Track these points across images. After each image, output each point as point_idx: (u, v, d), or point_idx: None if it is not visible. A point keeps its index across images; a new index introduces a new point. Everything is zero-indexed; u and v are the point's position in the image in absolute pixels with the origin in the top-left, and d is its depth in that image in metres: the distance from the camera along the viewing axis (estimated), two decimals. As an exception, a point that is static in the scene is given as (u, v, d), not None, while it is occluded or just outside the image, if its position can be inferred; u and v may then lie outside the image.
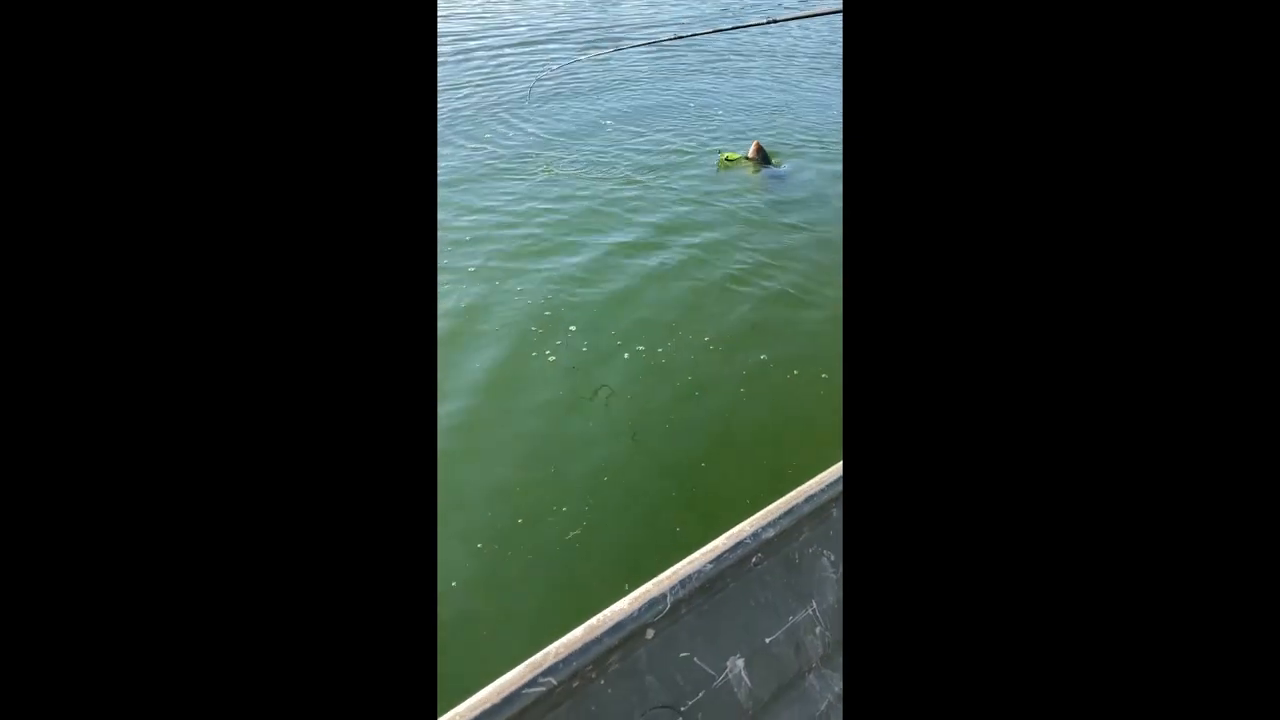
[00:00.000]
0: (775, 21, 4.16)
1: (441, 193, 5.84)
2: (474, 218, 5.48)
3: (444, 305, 4.43)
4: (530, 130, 7.29)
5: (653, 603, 1.41)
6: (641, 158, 6.63)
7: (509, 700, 1.22)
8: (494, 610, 2.73)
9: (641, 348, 4.10)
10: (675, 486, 3.22)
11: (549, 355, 4.03)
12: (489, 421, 3.60)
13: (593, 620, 1.36)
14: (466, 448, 3.43)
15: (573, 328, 4.28)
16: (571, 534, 3.01)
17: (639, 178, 6.22)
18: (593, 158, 6.62)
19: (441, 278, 4.74)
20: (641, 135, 7.22)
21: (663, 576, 1.46)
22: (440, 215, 5.45)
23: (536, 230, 5.31)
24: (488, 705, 1.20)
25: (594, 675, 1.33)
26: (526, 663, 1.27)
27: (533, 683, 1.24)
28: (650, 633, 1.41)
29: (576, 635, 1.33)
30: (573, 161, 6.50)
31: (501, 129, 7.30)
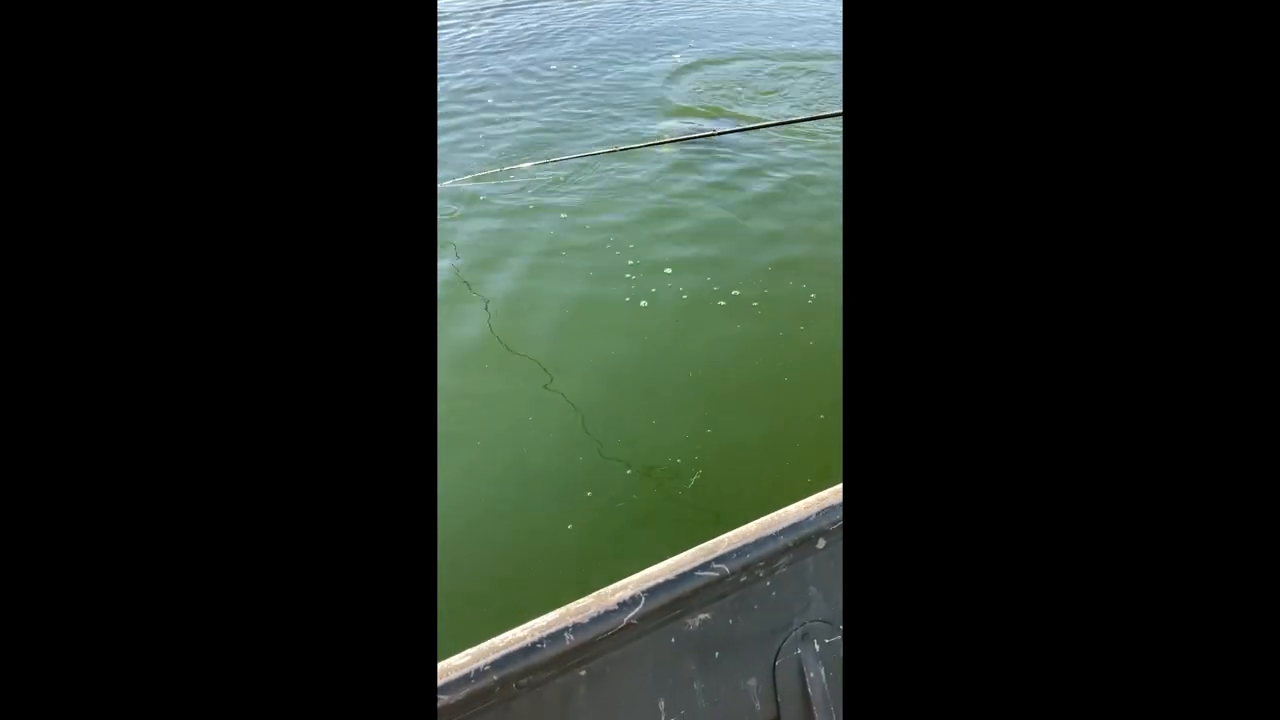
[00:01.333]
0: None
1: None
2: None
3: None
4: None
5: (830, 510, 1.37)
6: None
7: (682, 578, 1.24)
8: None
9: (737, 292, 3.88)
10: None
11: (642, 302, 3.83)
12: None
13: (765, 518, 1.35)
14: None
15: (668, 270, 4.07)
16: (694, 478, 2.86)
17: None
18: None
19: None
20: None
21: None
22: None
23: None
24: (661, 580, 1.23)
25: (761, 574, 1.33)
26: (700, 546, 1.28)
27: (706, 566, 1.25)
28: (822, 543, 1.38)
29: (750, 529, 1.32)
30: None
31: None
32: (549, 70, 7.00)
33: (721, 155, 5.33)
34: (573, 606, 1.20)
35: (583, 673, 1.20)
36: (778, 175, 5.09)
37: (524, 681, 1.15)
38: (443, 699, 1.09)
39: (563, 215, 4.63)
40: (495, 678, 1.13)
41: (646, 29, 7.99)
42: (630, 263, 4.11)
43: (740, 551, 1.29)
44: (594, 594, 1.21)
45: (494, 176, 4.96)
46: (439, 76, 6.66)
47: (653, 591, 1.21)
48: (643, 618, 1.20)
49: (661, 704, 1.28)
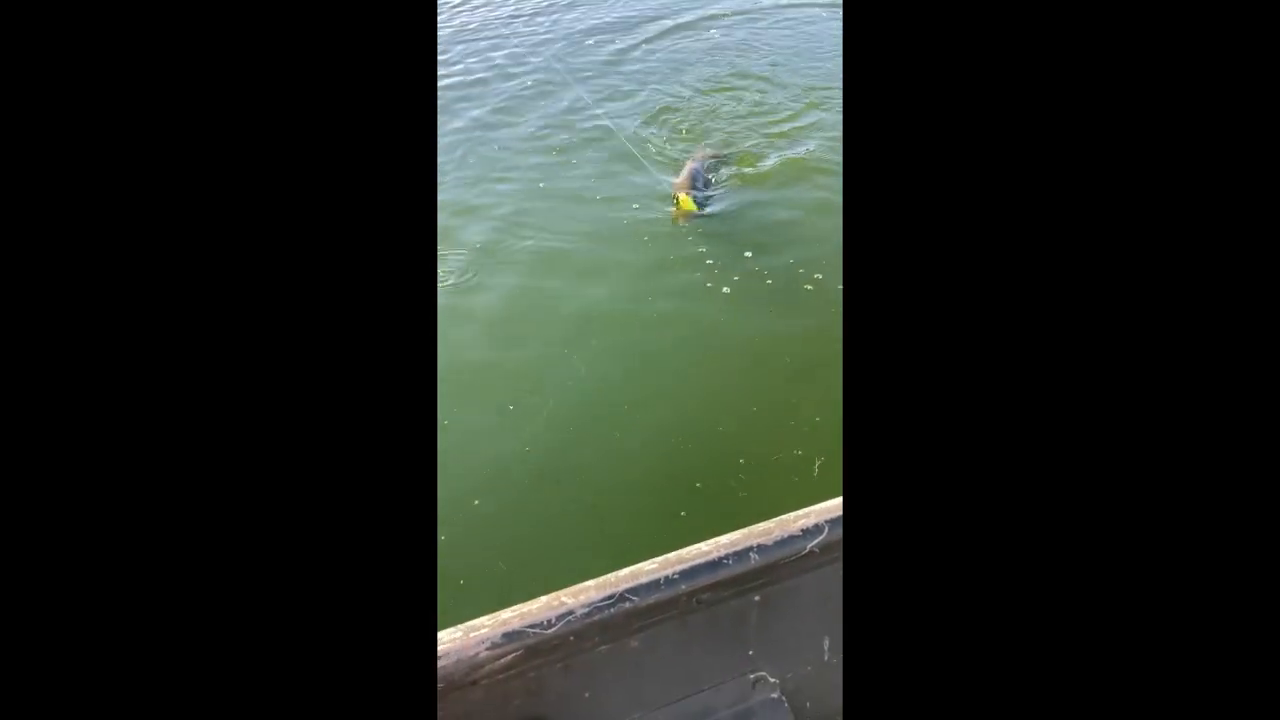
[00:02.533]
0: None
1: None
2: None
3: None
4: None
5: None
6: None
7: None
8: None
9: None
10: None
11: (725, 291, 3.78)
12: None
13: None
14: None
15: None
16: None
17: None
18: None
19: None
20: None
21: None
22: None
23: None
24: (842, 512, 1.22)
25: None
26: None
27: None
28: None
29: None
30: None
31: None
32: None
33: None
34: (757, 528, 1.19)
35: (757, 598, 1.21)
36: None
37: (705, 597, 1.16)
38: (631, 601, 1.11)
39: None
40: (683, 588, 1.13)
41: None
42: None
43: None
44: (776, 519, 1.20)
45: None
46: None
47: (835, 523, 1.19)
48: (824, 548, 1.19)
49: (826, 642, 1.29)
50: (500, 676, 1.08)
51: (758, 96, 5.54)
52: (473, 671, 1.06)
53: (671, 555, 1.16)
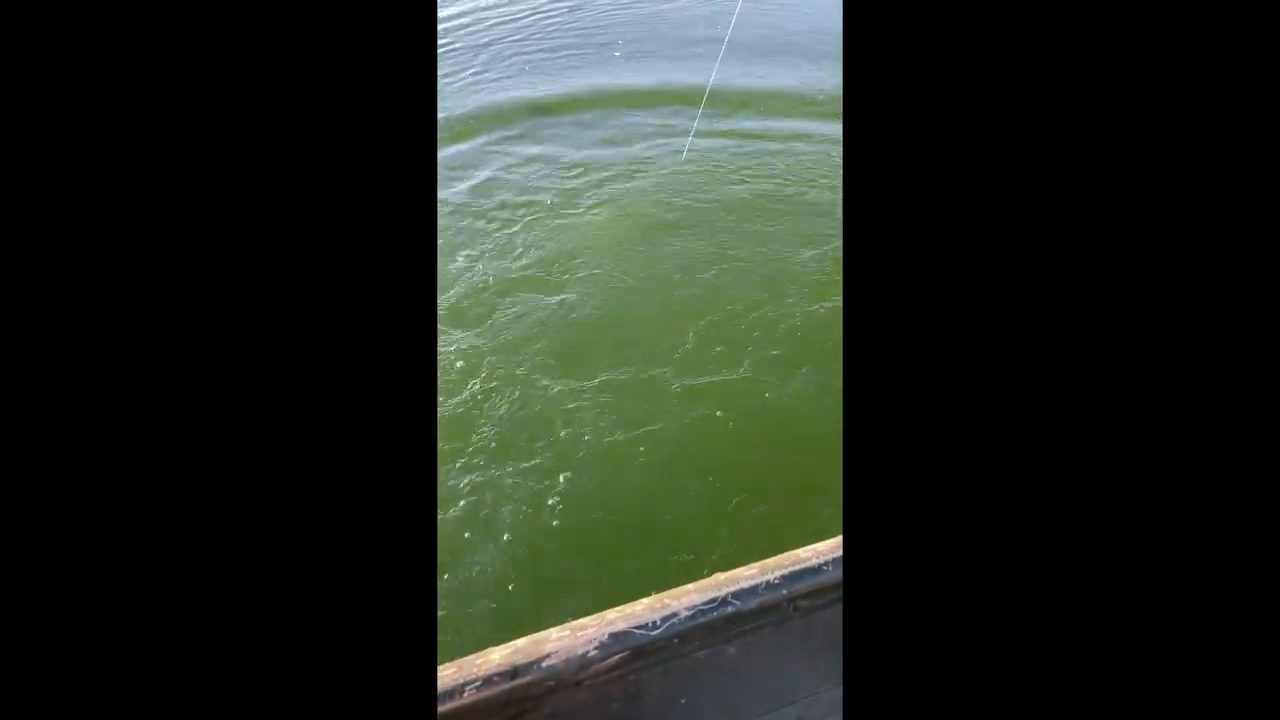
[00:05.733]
0: None
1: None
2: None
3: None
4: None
5: None
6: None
7: None
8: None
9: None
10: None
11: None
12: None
13: None
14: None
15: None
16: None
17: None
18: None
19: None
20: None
21: None
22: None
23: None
24: None
25: None
26: None
27: None
28: None
29: None
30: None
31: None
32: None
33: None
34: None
35: None
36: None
37: (803, 604, 1.16)
38: (733, 605, 1.12)
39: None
40: (784, 593, 1.15)
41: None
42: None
43: None
44: None
45: None
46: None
47: None
48: None
49: None
50: (604, 677, 1.09)
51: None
52: (580, 671, 1.07)
53: (771, 560, 1.17)
